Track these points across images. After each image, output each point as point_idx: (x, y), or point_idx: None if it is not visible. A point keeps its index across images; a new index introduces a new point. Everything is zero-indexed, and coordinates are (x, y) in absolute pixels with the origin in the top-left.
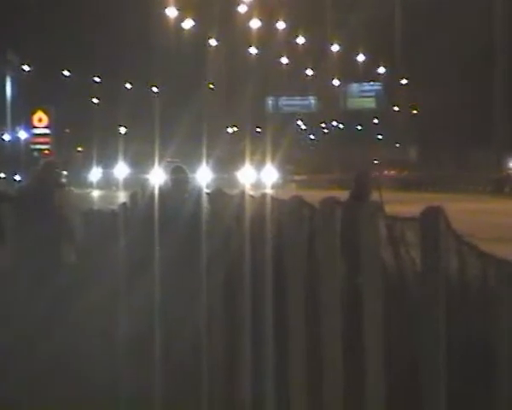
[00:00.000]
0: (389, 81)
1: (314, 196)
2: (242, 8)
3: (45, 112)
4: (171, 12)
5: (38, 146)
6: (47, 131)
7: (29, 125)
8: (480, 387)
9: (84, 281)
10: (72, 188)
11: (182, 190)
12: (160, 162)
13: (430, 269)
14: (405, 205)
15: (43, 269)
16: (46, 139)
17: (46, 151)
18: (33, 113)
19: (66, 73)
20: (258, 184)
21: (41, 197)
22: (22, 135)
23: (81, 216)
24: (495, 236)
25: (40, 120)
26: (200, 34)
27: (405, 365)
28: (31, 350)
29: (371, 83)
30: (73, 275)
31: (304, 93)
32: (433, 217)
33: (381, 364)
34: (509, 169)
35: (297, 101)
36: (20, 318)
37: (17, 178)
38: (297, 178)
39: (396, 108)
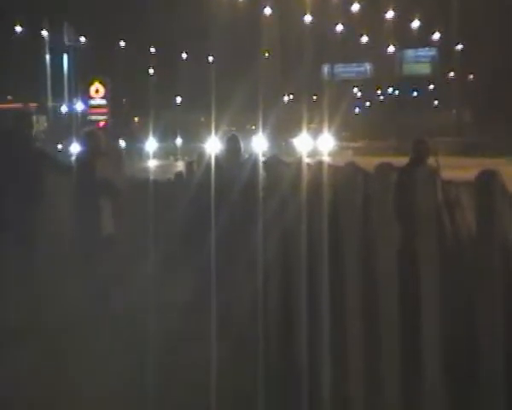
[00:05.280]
0: (445, 47)
1: (370, 162)
2: None
3: (102, 83)
4: None
5: (95, 117)
6: (103, 102)
7: (86, 97)
8: None
9: (140, 251)
10: (123, 157)
11: (236, 159)
12: (215, 132)
13: (485, 233)
14: (462, 170)
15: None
16: (103, 110)
17: (102, 122)
18: (90, 84)
19: (122, 43)
20: (314, 152)
21: (84, 166)
22: (79, 106)
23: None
24: None
25: (97, 91)
26: (254, 3)
27: (461, 332)
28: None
29: (426, 48)
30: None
31: (359, 59)
32: (488, 181)
33: (438, 329)
34: None
35: (352, 67)
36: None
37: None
38: (353, 145)
39: (452, 74)
